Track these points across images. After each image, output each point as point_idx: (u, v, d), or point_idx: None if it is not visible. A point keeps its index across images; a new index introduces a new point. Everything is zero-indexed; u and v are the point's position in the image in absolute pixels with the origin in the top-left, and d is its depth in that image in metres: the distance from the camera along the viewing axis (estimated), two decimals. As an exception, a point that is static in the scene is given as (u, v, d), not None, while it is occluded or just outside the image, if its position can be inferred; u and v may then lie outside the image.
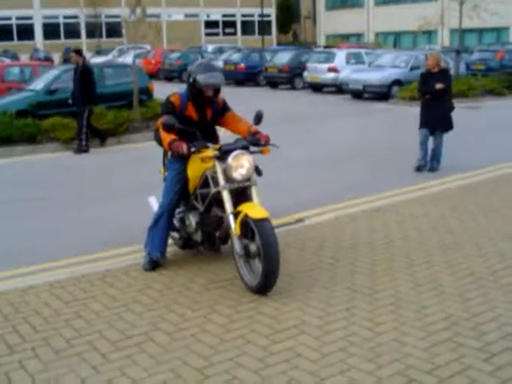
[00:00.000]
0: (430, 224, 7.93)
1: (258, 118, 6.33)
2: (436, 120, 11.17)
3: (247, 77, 33.28)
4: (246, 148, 6.06)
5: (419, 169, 11.28)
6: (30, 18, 59.20)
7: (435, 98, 11.12)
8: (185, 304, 5.59)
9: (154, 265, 6.48)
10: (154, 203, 7.05)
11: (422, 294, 5.67)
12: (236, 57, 35.16)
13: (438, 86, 10.92)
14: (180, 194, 6.37)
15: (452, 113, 11.29)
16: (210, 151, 6.02)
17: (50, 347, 4.83)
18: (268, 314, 5.30)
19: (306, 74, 29.07)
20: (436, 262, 6.50)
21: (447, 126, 11.26)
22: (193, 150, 6.05)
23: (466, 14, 25.65)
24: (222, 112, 6.56)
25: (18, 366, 4.55)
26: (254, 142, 6.20)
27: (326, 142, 14.96)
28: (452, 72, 26.08)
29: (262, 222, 5.58)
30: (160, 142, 6.39)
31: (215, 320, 5.23)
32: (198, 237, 6.47)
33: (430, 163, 11.35)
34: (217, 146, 6.10)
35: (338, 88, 26.84)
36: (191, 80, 6.23)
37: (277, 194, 9.46)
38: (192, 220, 6.41)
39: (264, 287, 5.65)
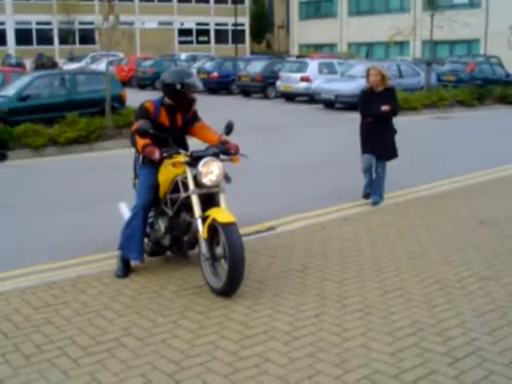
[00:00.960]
0: (399, 232, 8.05)
1: (229, 128, 6.52)
2: (379, 147, 9.41)
3: (220, 85, 33.35)
4: (216, 155, 6.22)
5: (368, 196, 9.72)
6: (2, 23, 58.80)
7: (378, 122, 9.43)
8: (156, 310, 5.63)
9: (126, 271, 6.53)
10: (125, 209, 7.14)
11: (390, 301, 5.77)
12: (209, 65, 35.24)
13: (384, 108, 9.27)
14: (152, 195, 6.48)
15: (395, 137, 9.67)
16: (181, 157, 6.19)
17: (20, 353, 4.84)
18: (238, 320, 5.36)
19: (278, 83, 29.23)
20: (404, 270, 6.61)
21: (391, 153, 9.57)
22: (164, 155, 6.20)
23: (437, 26, 25.99)
24: (191, 121, 6.73)
25: (-12, 372, 4.56)
26: (223, 150, 6.37)
27: (299, 151, 15.08)
28: (423, 83, 26.53)
29: (229, 227, 5.73)
30: (135, 145, 6.50)
31: (186, 326, 5.28)
32: (166, 241, 6.59)
33: (372, 197, 9.67)
34: (188, 153, 6.26)
35: (311, 98, 27.01)
36: (178, 86, 6.33)
37: (249, 202, 9.54)
38: (161, 224, 6.54)
39: (229, 290, 5.80)
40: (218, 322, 5.35)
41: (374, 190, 9.62)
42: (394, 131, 9.62)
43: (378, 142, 9.38)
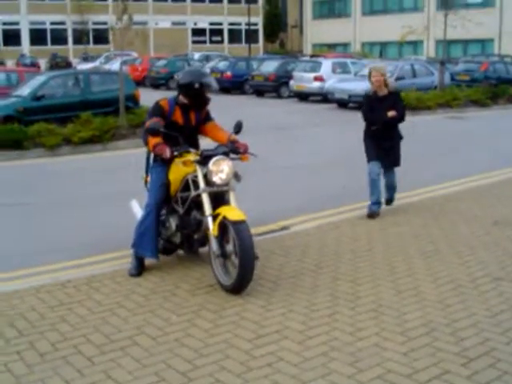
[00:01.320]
0: (412, 232, 8.04)
1: (238, 128, 6.65)
2: (384, 154, 8.87)
3: (233, 85, 33.35)
4: (226, 154, 6.31)
5: (372, 215, 8.82)
6: (17, 23, 59.12)
7: (384, 129, 8.85)
8: (170, 309, 5.66)
9: (140, 270, 6.58)
10: (136, 207, 7.21)
11: (403, 301, 5.77)
12: (222, 65, 35.30)
13: (391, 114, 8.66)
14: (164, 193, 6.55)
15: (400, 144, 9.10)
16: (192, 156, 6.27)
17: (35, 350, 4.88)
18: (251, 320, 5.38)
19: (292, 82, 29.22)
20: (417, 270, 6.61)
21: (394, 161, 9.02)
22: (175, 153, 6.28)
23: (451, 25, 25.92)
24: (204, 121, 6.83)
25: (3, 369, 4.59)
26: (233, 149, 6.47)
27: (312, 151, 15.07)
28: (437, 83, 26.45)
29: (239, 225, 5.81)
30: (147, 143, 6.56)
31: (199, 325, 5.30)
32: (177, 239, 6.68)
33: (386, 194, 9.20)
34: (198, 151, 6.34)
35: (324, 97, 26.99)
36: (196, 85, 6.41)
37: (262, 201, 9.57)
38: (172, 222, 6.62)
39: (238, 287, 5.88)
40: (232, 320, 5.37)
41: (388, 188, 9.16)
42: (399, 137, 9.06)
43: (383, 149, 8.83)
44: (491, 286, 6.12)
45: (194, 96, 6.49)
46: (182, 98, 6.58)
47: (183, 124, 6.63)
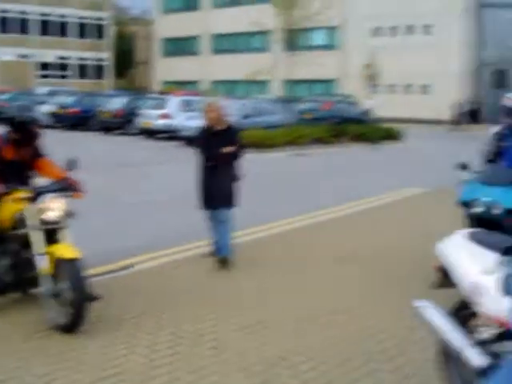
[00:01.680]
0: (252, 268, 8.18)
1: (71, 164, 6.59)
2: (218, 195, 8.17)
3: (80, 121, 32.93)
4: (58, 191, 6.24)
5: (214, 254, 8.41)
6: None
7: (219, 166, 8.20)
8: (5, 354, 5.41)
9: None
10: None
11: (245, 337, 5.84)
12: (69, 100, 34.74)
13: (227, 149, 8.07)
14: None
15: (236, 184, 8.42)
16: (23, 193, 6.14)
17: None
18: (90, 362, 5.24)
19: (139, 119, 29.16)
20: (258, 305, 6.73)
21: (230, 202, 8.29)
22: (5, 190, 6.16)
23: (296, 66, 26.89)
24: (35, 156, 6.69)
25: None
26: (66, 186, 6.40)
27: (158, 188, 15.03)
28: (283, 121, 27.25)
29: (72, 262, 5.78)
30: None
31: (35, 371, 5.09)
32: (9, 278, 6.45)
33: (220, 251, 8.31)
34: (30, 189, 6.24)
35: (172, 134, 27.07)
36: (18, 120, 6.34)
37: (106, 239, 9.41)
38: (4, 261, 6.41)
39: (71, 326, 5.79)
40: (70, 365, 5.20)
41: (222, 245, 8.36)
42: (236, 177, 8.42)
43: (217, 189, 8.17)
44: (327, 319, 6.33)
45: (20, 130, 6.39)
46: (12, 133, 6.44)
47: (14, 159, 6.47)
